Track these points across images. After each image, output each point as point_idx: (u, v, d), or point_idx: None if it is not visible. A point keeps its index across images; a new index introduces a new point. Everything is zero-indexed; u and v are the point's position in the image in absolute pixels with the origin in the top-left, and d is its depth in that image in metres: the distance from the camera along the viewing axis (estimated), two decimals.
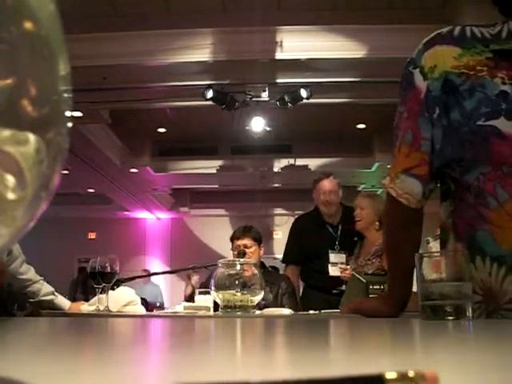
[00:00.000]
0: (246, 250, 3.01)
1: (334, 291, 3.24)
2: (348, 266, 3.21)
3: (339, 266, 3.32)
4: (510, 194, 1.07)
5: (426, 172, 1.15)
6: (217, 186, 10.29)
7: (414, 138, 1.15)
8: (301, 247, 3.58)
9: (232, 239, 3.15)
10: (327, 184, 3.54)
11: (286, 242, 3.78)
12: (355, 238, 3.37)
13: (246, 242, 3.07)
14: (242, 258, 2.73)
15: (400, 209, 1.20)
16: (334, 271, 3.34)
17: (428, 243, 2.29)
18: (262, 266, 3.11)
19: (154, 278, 10.18)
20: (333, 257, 3.41)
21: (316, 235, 3.56)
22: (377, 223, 3.26)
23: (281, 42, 5.17)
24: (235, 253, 3.05)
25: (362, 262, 3.16)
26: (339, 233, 3.53)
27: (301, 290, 3.60)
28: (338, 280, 3.27)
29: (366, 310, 1.35)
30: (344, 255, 3.38)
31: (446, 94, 1.11)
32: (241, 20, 4.97)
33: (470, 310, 0.97)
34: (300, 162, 8.85)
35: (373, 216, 3.25)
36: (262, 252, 3.15)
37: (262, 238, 3.19)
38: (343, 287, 3.22)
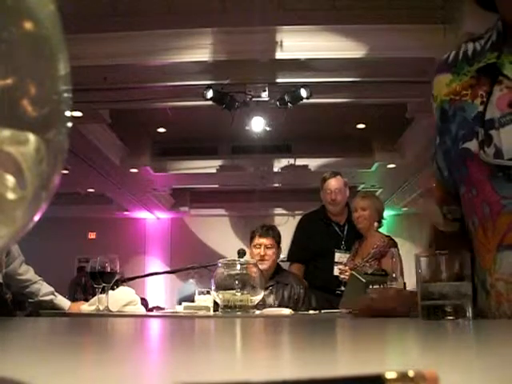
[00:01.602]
0: (267, 251, 3.00)
1: (337, 291, 3.23)
2: (346, 267, 3.20)
3: (339, 267, 3.31)
4: (479, 218, 1.07)
5: (438, 196, 1.24)
6: (217, 186, 10.28)
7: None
8: (307, 245, 3.57)
9: (253, 236, 3.13)
10: (334, 183, 3.54)
11: (286, 241, 3.77)
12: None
13: (268, 242, 3.06)
14: (242, 258, 2.73)
15: (432, 227, 1.28)
16: (338, 271, 3.33)
17: (430, 246, 2.27)
18: (277, 267, 3.10)
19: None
20: (338, 256, 3.40)
21: (322, 234, 3.55)
22: (376, 224, 3.26)
23: (281, 41, 5.16)
24: (253, 250, 3.04)
25: (361, 263, 3.16)
26: (345, 232, 3.53)
27: None
28: (340, 280, 3.27)
29: (381, 310, 1.35)
30: (349, 255, 3.37)
31: (442, 122, 1.15)
32: (241, 20, 4.97)
33: (470, 309, 0.97)
34: (300, 161, 8.84)
35: (373, 216, 3.26)
36: (280, 252, 3.14)
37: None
38: None
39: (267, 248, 3.03)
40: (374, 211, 3.26)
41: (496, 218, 1.03)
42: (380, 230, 3.35)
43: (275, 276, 3.02)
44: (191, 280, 10.10)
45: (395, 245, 3.18)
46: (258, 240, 3.07)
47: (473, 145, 1.05)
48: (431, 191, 1.27)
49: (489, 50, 1.08)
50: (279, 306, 2.78)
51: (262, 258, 2.97)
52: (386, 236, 3.29)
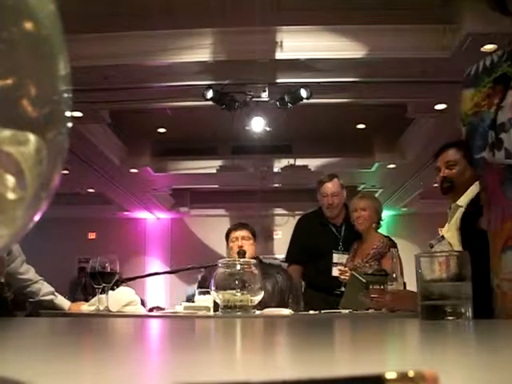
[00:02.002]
0: (245, 242, 3.03)
1: (336, 292, 3.23)
2: (346, 268, 3.20)
3: (338, 267, 3.31)
4: (492, 222, 1.09)
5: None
6: (217, 186, 10.28)
7: None
8: (304, 247, 3.57)
9: (228, 233, 3.17)
10: (330, 187, 3.52)
11: (286, 241, 3.77)
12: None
13: (244, 233, 3.10)
14: (242, 257, 2.73)
15: None
16: (336, 271, 3.32)
17: (431, 247, 2.27)
18: (258, 261, 3.12)
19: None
20: (336, 257, 3.40)
21: (320, 235, 3.54)
22: (374, 224, 3.26)
23: (281, 42, 5.16)
24: (231, 245, 3.08)
25: (360, 264, 3.16)
26: (343, 233, 3.52)
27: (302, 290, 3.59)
28: (340, 281, 3.26)
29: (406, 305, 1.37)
30: (347, 256, 3.37)
31: (470, 136, 1.15)
32: (241, 20, 4.97)
33: (470, 310, 0.97)
34: (300, 162, 8.84)
35: (373, 217, 3.26)
36: (257, 248, 3.16)
37: (262, 237, 3.21)
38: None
39: (244, 239, 3.06)
40: (373, 212, 3.26)
41: (503, 222, 1.04)
42: (379, 230, 3.35)
43: None
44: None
45: (394, 245, 3.18)
46: (233, 234, 3.12)
47: (486, 153, 1.06)
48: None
49: (506, 60, 1.09)
50: (265, 299, 2.76)
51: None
52: (385, 236, 3.29)
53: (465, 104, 1.18)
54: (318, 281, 3.45)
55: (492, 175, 1.06)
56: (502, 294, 1.05)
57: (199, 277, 8.75)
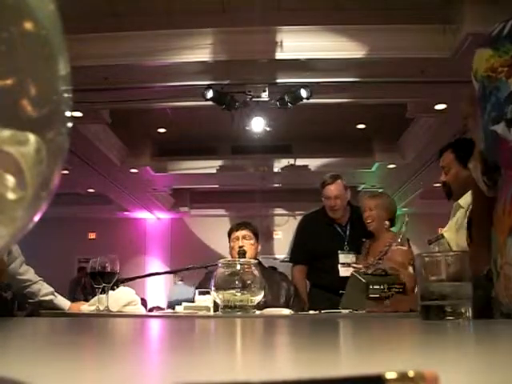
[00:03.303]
0: (245, 242, 3.02)
1: (341, 291, 3.21)
2: (361, 265, 3.16)
3: (352, 265, 3.27)
4: (503, 199, 1.07)
5: (480, 166, 1.24)
6: (217, 186, 10.28)
7: None
8: (308, 246, 3.55)
9: (230, 232, 3.15)
10: (332, 189, 3.49)
11: (286, 242, 3.75)
12: (363, 239, 3.34)
13: (246, 232, 3.08)
14: (242, 257, 2.72)
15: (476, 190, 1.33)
16: (344, 272, 3.30)
17: (430, 243, 2.27)
18: (259, 264, 3.11)
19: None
20: (342, 257, 3.37)
21: (324, 235, 3.51)
22: (387, 222, 3.24)
23: (281, 42, 5.16)
24: (232, 245, 3.06)
25: (374, 261, 3.14)
26: (348, 233, 3.50)
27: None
28: (346, 280, 3.23)
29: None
30: (353, 255, 3.35)
31: (481, 98, 1.13)
32: (241, 20, 4.97)
33: (470, 310, 0.97)
34: (300, 162, 8.84)
35: (383, 216, 3.24)
36: (259, 248, 3.15)
37: (262, 237, 3.19)
38: None
39: (245, 239, 3.05)
40: (382, 210, 3.23)
41: None
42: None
43: None
44: (179, 282, 10.06)
45: (407, 242, 3.18)
46: (235, 234, 3.10)
47: (500, 128, 1.03)
48: (471, 116, 1.25)
49: None
50: (266, 305, 2.76)
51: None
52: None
53: (479, 62, 1.13)
54: (323, 281, 3.42)
55: (504, 152, 1.03)
56: (505, 275, 1.04)
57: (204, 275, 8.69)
